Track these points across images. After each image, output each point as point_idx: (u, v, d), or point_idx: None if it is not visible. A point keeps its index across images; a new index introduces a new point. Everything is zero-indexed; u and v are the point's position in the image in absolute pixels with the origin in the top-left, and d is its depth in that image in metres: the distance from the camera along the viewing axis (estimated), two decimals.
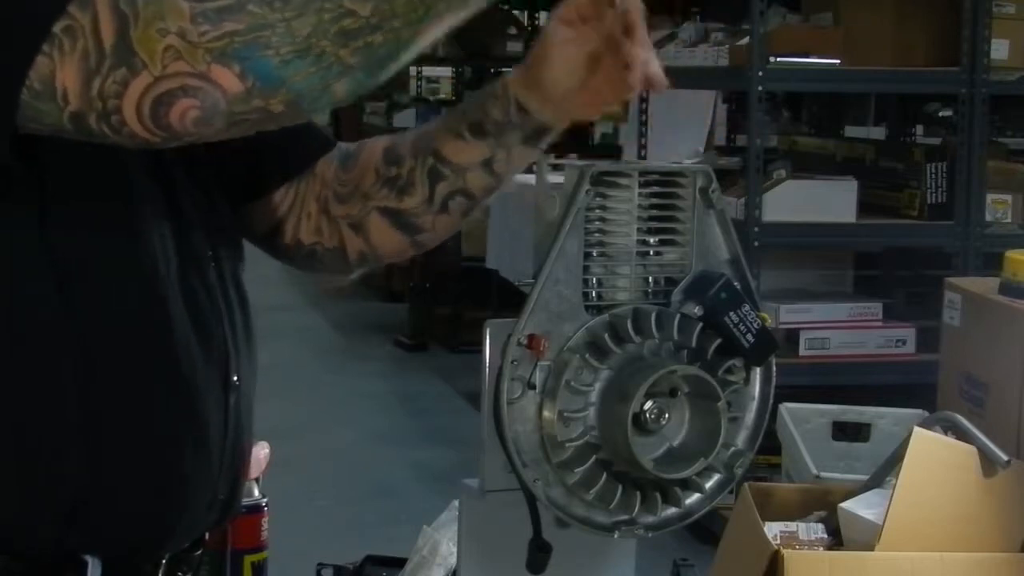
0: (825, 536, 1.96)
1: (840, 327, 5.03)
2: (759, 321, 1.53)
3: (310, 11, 1.26)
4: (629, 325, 1.50)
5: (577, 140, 8.81)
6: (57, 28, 1.27)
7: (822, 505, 2.04)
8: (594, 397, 1.50)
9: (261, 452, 1.94)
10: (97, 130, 1.30)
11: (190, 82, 1.27)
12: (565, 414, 1.48)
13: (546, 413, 1.49)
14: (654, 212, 1.54)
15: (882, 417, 2.72)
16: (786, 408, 2.80)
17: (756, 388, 1.59)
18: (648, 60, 1.47)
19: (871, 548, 1.88)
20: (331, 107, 1.34)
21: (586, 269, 1.51)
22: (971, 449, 1.96)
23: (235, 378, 1.53)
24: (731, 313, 1.52)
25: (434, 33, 1.31)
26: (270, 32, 1.26)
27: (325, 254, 1.66)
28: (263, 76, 1.27)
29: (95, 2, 1.27)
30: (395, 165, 1.60)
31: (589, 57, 1.49)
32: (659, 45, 5.71)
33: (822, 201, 4.99)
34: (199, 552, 1.57)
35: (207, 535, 1.59)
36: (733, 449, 1.54)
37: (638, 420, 1.48)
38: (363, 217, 1.62)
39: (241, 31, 1.26)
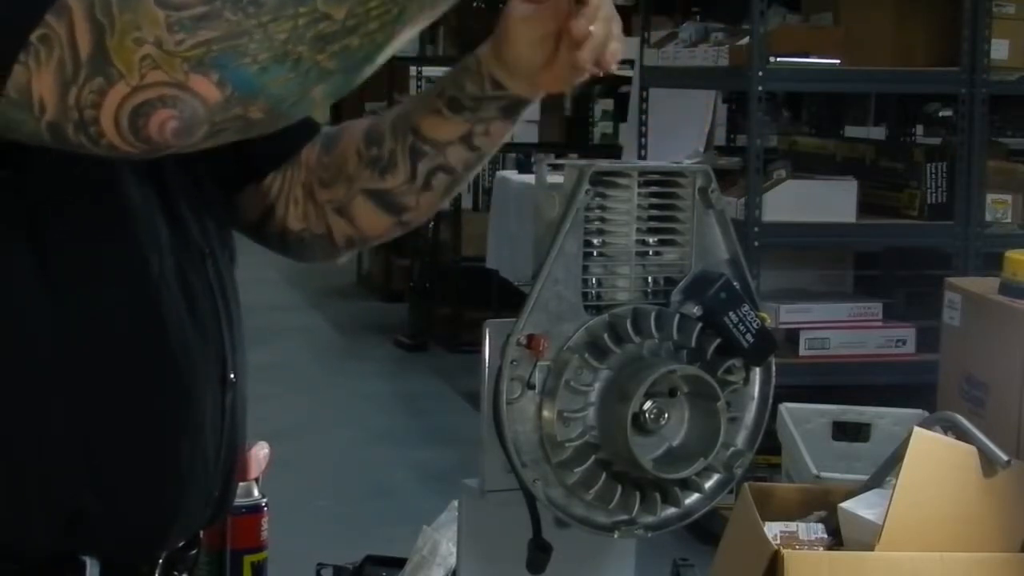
0: (825, 536, 1.95)
1: (840, 327, 5.02)
2: (759, 321, 1.52)
3: (285, 16, 1.24)
4: (628, 325, 1.50)
5: (577, 140, 8.81)
6: (33, 37, 1.25)
7: (822, 505, 2.04)
8: (594, 397, 1.50)
9: (261, 452, 1.94)
10: (75, 141, 1.27)
11: (168, 92, 1.24)
12: (565, 414, 1.48)
13: (545, 413, 1.49)
14: (654, 212, 1.53)
15: (882, 417, 2.71)
16: (786, 408, 2.80)
17: (756, 388, 1.58)
18: (604, 37, 1.45)
19: (871, 548, 1.88)
20: (310, 112, 1.32)
21: (585, 269, 1.51)
22: (971, 449, 1.95)
23: (231, 375, 1.53)
24: (731, 313, 1.52)
25: (407, 34, 1.30)
26: (247, 39, 1.24)
27: (313, 241, 1.66)
28: (241, 84, 1.25)
29: (71, 10, 1.24)
30: (376, 146, 1.60)
31: (549, 34, 1.47)
32: (659, 45, 5.72)
33: (822, 201, 4.98)
34: (194, 551, 1.58)
35: (201, 533, 1.59)
36: (733, 449, 1.54)
37: (638, 420, 1.48)
38: (348, 201, 1.62)
39: (218, 39, 1.24)
